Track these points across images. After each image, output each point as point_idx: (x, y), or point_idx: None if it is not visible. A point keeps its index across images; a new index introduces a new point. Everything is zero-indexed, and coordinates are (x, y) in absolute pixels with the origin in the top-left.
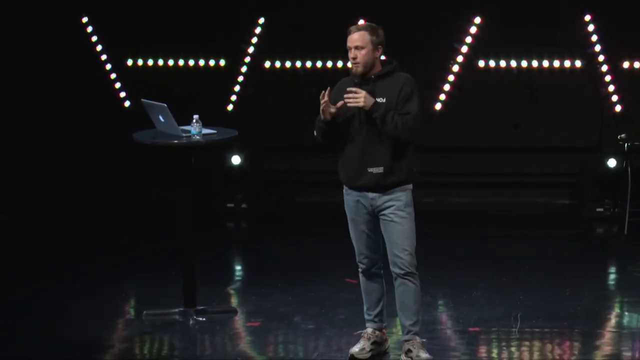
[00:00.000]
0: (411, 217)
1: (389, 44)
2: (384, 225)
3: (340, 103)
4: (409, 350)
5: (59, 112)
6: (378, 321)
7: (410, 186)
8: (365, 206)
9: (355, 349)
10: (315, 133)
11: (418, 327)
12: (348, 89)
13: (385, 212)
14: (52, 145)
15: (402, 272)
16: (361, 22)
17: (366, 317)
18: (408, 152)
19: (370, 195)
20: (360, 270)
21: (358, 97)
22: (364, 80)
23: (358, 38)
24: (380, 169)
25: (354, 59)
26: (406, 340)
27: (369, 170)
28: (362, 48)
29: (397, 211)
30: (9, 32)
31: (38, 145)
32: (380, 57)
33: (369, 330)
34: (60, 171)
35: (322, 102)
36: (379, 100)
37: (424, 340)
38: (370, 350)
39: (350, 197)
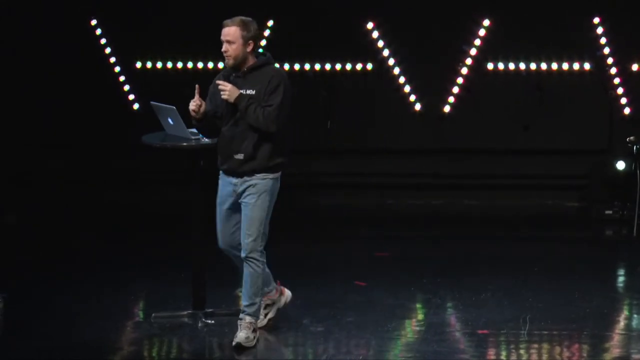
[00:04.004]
0: (263, 206)
1: (398, 45)
2: (242, 209)
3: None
4: (238, 328)
5: (69, 114)
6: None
7: (272, 176)
8: (230, 190)
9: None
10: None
11: (252, 309)
12: (217, 82)
13: (241, 197)
14: (62, 147)
15: (244, 255)
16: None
17: None
18: (274, 142)
19: (234, 180)
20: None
21: (224, 90)
22: (238, 73)
23: (229, 32)
24: (240, 156)
25: (225, 52)
26: (239, 319)
27: (233, 156)
28: (233, 43)
29: (250, 198)
30: (19, 33)
31: (47, 147)
32: (252, 51)
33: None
34: (69, 173)
35: (194, 103)
36: (248, 92)
37: (253, 320)
38: (266, 305)
39: (220, 180)
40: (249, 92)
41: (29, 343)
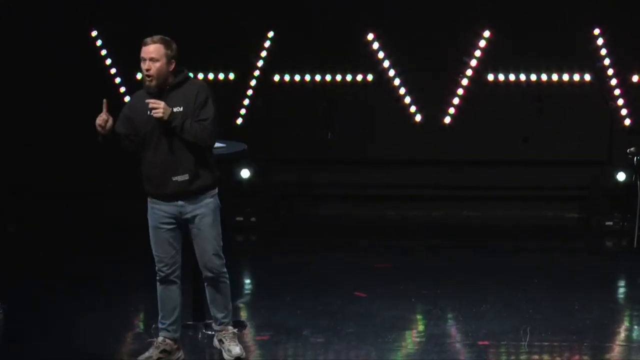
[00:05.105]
0: (217, 223)
1: (398, 56)
2: (194, 233)
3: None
4: (221, 341)
5: (69, 124)
6: (171, 331)
7: (215, 192)
8: (173, 214)
9: (142, 356)
10: (121, 146)
11: (229, 318)
12: (147, 100)
13: (194, 220)
14: (61, 157)
15: (214, 275)
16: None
17: (159, 325)
18: (208, 157)
19: (180, 203)
20: (158, 278)
21: (158, 109)
22: (159, 91)
23: (153, 50)
24: (185, 177)
25: (148, 70)
26: (218, 331)
27: (174, 179)
28: (157, 61)
29: (205, 219)
30: (19, 45)
31: (47, 157)
32: (173, 70)
33: (159, 338)
34: (69, 183)
35: (101, 118)
36: (176, 109)
37: (236, 330)
38: (158, 358)
39: (155, 205)
40: (176, 109)
41: (30, 354)
